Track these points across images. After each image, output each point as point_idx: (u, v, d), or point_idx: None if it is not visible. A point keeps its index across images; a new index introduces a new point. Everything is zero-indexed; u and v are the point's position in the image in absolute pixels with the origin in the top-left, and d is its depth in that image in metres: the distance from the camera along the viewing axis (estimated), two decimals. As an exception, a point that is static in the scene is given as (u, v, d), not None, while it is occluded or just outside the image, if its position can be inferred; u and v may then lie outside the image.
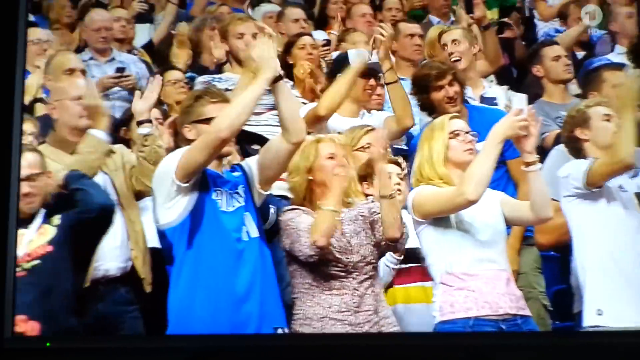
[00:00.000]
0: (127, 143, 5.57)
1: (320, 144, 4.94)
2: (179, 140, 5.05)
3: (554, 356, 4.89)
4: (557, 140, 5.83)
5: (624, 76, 6.15)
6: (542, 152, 5.32)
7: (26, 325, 4.62)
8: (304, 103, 6.02)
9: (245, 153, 5.43)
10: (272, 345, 4.75)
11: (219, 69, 6.69)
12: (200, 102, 4.79)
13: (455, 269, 4.66)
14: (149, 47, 7.76)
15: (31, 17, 7.58)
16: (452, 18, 8.28)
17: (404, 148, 6.16)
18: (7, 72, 4.90)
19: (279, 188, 5.19)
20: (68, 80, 5.88)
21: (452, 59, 6.51)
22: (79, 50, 7.22)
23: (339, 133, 5.55)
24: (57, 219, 4.79)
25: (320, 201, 4.78)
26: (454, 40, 6.68)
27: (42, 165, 4.88)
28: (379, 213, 4.82)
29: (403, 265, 5.24)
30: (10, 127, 4.85)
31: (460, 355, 4.75)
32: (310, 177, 4.87)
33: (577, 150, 5.26)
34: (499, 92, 6.72)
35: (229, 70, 6.36)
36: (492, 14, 8.10)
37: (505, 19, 8.32)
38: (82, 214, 4.76)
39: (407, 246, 5.02)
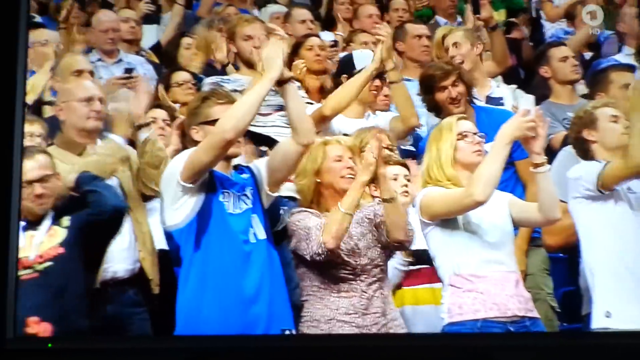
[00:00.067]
0: (134, 144, 5.57)
1: (327, 146, 4.93)
2: (187, 141, 5.05)
3: (561, 357, 4.89)
4: (564, 142, 5.83)
5: (632, 78, 6.14)
6: (550, 153, 5.31)
7: (38, 327, 4.62)
8: (310, 104, 6.02)
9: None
10: (278, 346, 4.75)
11: (223, 70, 6.70)
12: (207, 103, 4.79)
13: (463, 270, 4.66)
14: (156, 48, 7.77)
15: (38, 19, 7.61)
16: (459, 19, 8.28)
17: (412, 149, 6.16)
18: (9, 72, 4.90)
19: (287, 189, 5.19)
20: (76, 81, 5.88)
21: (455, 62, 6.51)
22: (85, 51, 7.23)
23: (345, 134, 5.55)
24: (66, 221, 4.80)
25: (329, 203, 4.77)
26: (454, 43, 6.67)
27: (52, 166, 4.88)
28: (382, 215, 4.82)
29: (411, 267, 5.25)
30: (12, 129, 4.85)
31: (468, 356, 4.75)
32: (318, 180, 4.86)
33: (584, 151, 5.25)
34: (506, 92, 6.71)
35: (235, 72, 6.36)
36: (500, 15, 8.09)
37: (513, 19, 8.32)
38: (95, 215, 4.76)
39: (415, 248, 5.01)
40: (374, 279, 4.78)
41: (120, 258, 5.15)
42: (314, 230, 4.69)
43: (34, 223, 4.79)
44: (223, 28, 7.20)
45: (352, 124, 5.92)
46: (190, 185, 4.54)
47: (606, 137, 5.18)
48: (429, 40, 7.10)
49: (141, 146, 5.26)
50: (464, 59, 6.50)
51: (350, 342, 4.76)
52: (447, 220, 4.72)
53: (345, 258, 4.74)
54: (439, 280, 4.83)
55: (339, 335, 4.70)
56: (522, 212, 4.79)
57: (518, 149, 5.16)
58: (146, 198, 5.34)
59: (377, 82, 6.13)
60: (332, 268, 4.74)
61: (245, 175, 4.78)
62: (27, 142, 5.29)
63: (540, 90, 6.79)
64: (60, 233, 4.77)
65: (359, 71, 6.01)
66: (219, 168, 4.66)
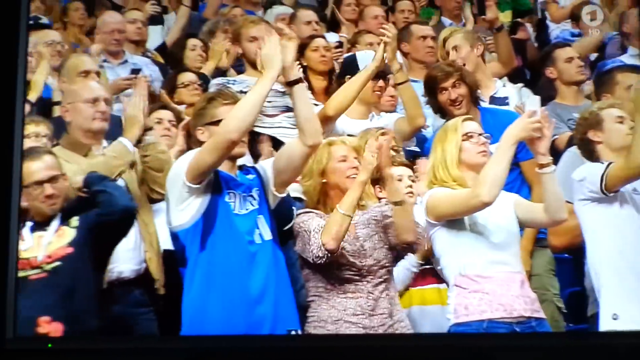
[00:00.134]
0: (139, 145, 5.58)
1: (332, 146, 4.94)
2: (192, 142, 5.05)
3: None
4: (569, 143, 5.82)
5: (638, 79, 6.13)
6: (555, 154, 5.31)
7: (50, 326, 4.62)
8: (316, 105, 6.02)
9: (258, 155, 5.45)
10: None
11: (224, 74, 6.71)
12: (212, 104, 4.79)
13: (469, 271, 4.66)
14: (161, 49, 7.77)
15: (44, 20, 7.63)
16: (464, 20, 8.29)
17: (417, 150, 6.16)
18: (9, 72, 4.91)
19: (293, 190, 5.19)
20: (82, 82, 5.89)
21: None
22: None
23: (349, 135, 5.56)
24: (75, 221, 4.80)
25: (335, 204, 4.78)
26: (454, 47, 6.67)
27: (59, 166, 4.89)
28: (391, 216, 4.82)
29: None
30: (12, 129, 4.86)
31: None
32: (324, 180, 4.87)
33: (590, 152, 5.25)
34: (512, 91, 6.71)
35: (241, 74, 6.37)
36: (506, 17, 8.09)
37: (519, 19, 8.32)
38: (105, 216, 4.76)
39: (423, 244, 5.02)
40: (380, 280, 4.79)
41: (126, 258, 5.15)
42: (313, 233, 4.70)
43: (42, 224, 4.80)
44: (229, 29, 7.22)
45: (356, 125, 5.92)
46: (196, 185, 4.55)
47: (612, 138, 5.17)
48: (434, 41, 7.10)
49: (142, 150, 5.26)
50: (465, 62, 6.49)
51: (356, 342, 4.76)
52: (453, 221, 4.72)
53: (351, 259, 4.74)
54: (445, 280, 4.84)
55: (345, 336, 4.71)
56: (528, 213, 4.80)
57: (523, 150, 5.17)
58: (152, 200, 5.35)
59: (381, 82, 6.12)
60: (337, 269, 4.74)
61: (251, 176, 4.78)
62: (33, 142, 5.32)
63: (545, 91, 6.79)
64: (68, 233, 4.78)
65: None
66: (224, 168, 4.67)
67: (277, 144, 5.54)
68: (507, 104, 6.55)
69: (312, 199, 4.89)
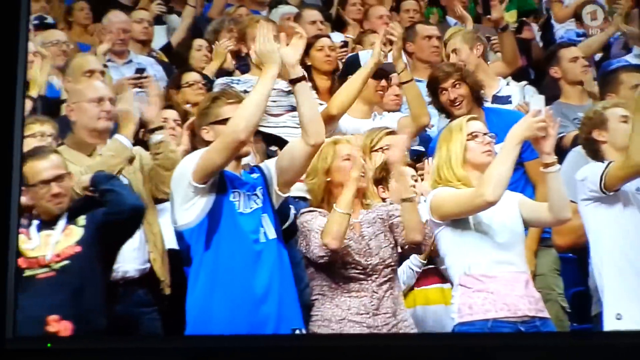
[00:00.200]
0: (145, 145, 5.58)
1: (337, 145, 4.95)
2: (197, 142, 5.06)
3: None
4: (575, 142, 5.82)
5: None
6: (561, 153, 5.31)
7: (59, 325, 4.63)
8: (321, 104, 6.03)
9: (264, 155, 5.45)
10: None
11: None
12: (217, 103, 4.78)
13: (473, 270, 4.66)
14: (166, 49, 7.78)
15: (49, 19, 7.64)
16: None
17: (420, 149, 6.17)
18: (9, 72, 4.91)
19: (297, 189, 5.20)
20: (87, 82, 5.90)
21: None
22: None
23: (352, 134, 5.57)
24: (82, 220, 4.81)
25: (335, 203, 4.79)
26: (453, 50, 6.69)
27: (65, 165, 4.90)
28: (397, 216, 4.83)
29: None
30: (12, 129, 4.86)
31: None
32: (328, 179, 4.88)
33: (594, 152, 5.24)
34: (515, 90, 6.71)
35: (246, 73, 6.39)
36: (511, 16, 8.09)
37: (525, 19, 8.32)
38: (113, 215, 4.76)
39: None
40: (385, 279, 4.79)
41: (130, 258, 5.16)
42: (313, 233, 4.72)
43: (48, 223, 4.81)
44: (234, 29, 7.23)
45: (358, 124, 5.93)
46: (202, 185, 4.54)
47: (616, 137, 5.16)
48: (439, 41, 7.11)
49: (154, 148, 5.28)
50: (465, 64, 6.49)
51: (359, 342, 4.77)
52: (457, 221, 4.71)
53: (357, 258, 4.75)
54: (448, 280, 4.83)
55: (348, 335, 4.71)
56: (533, 212, 4.79)
57: (527, 150, 5.17)
58: (157, 200, 5.35)
59: (383, 82, 6.14)
60: (342, 268, 4.75)
61: (255, 175, 4.78)
62: (38, 142, 5.33)
63: (550, 91, 6.79)
64: (76, 232, 4.78)
65: None
66: (229, 168, 4.66)
67: (282, 143, 5.55)
68: (510, 102, 6.56)
69: (316, 197, 4.91)
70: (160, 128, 5.36)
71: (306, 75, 4.72)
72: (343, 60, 6.87)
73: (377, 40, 5.94)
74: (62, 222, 4.81)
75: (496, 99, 6.56)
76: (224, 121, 4.66)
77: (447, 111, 5.96)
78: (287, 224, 4.95)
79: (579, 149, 5.48)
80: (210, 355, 4.73)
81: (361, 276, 4.76)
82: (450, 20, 8.36)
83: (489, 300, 4.60)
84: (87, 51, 7.20)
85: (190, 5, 7.88)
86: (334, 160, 4.88)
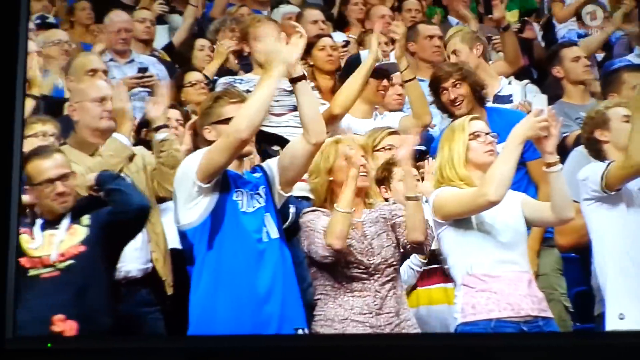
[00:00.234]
0: (148, 144, 5.59)
1: (340, 144, 4.94)
2: (199, 141, 5.06)
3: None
4: (577, 141, 5.82)
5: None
6: (564, 152, 5.31)
7: (64, 325, 4.63)
8: (323, 104, 6.03)
9: (266, 154, 5.44)
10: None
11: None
12: (219, 102, 4.77)
13: (476, 270, 4.66)
14: (168, 48, 7.78)
15: (51, 19, 7.64)
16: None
17: (422, 149, 6.17)
18: (9, 72, 4.91)
19: (300, 189, 5.20)
20: (89, 81, 5.90)
21: None
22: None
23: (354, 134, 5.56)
24: (86, 219, 4.81)
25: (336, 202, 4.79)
26: (454, 51, 6.69)
27: (69, 165, 4.90)
28: (400, 215, 4.83)
29: (425, 267, 5.24)
30: (12, 129, 4.86)
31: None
32: (331, 178, 4.88)
33: (597, 151, 5.24)
34: (516, 89, 6.70)
35: (249, 73, 6.39)
36: (512, 16, 8.09)
37: (526, 18, 8.33)
38: (119, 214, 4.76)
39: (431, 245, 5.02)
40: (387, 278, 4.79)
41: (132, 258, 5.16)
42: (317, 233, 4.72)
43: (52, 222, 4.81)
44: (236, 28, 7.23)
45: (359, 124, 5.93)
46: (207, 185, 4.54)
47: (618, 137, 5.16)
48: (441, 40, 7.10)
49: (158, 146, 5.28)
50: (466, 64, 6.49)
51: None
52: (460, 220, 4.72)
53: (359, 257, 4.75)
54: (452, 280, 4.83)
55: (350, 335, 4.71)
56: (535, 212, 4.79)
57: (529, 149, 5.17)
58: (162, 200, 5.36)
59: (385, 82, 6.14)
60: (345, 267, 4.75)
61: (257, 174, 4.78)
62: (40, 141, 5.34)
63: (552, 90, 6.79)
64: (80, 231, 4.79)
65: None
66: (232, 167, 4.66)
67: (284, 143, 5.54)
68: (511, 101, 6.56)
69: (319, 197, 4.90)
70: (165, 126, 5.37)
71: (306, 75, 4.71)
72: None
73: (373, 37, 5.94)
74: (65, 222, 4.81)
75: (497, 98, 6.56)
76: (226, 121, 4.65)
77: (449, 111, 5.96)
78: (287, 223, 4.96)
79: (581, 149, 5.49)
80: (213, 356, 4.74)
81: (364, 276, 4.76)
82: (452, 20, 8.35)
83: (492, 300, 4.60)
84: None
85: (192, 5, 7.88)
86: (336, 159, 4.87)
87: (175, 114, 5.90)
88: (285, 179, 4.76)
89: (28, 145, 5.17)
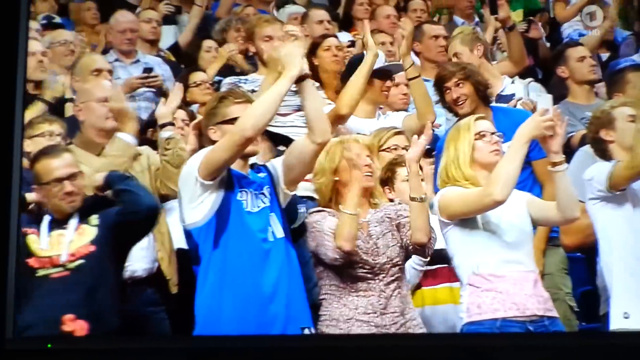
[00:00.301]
0: (154, 144, 5.59)
1: (344, 144, 4.94)
2: (204, 141, 5.06)
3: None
4: (582, 141, 5.82)
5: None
6: (570, 152, 5.31)
7: (74, 324, 4.63)
8: (329, 104, 6.03)
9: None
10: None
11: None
12: (224, 103, 4.78)
13: (482, 270, 4.66)
14: (174, 49, 7.79)
15: (57, 19, 7.65)
16: (477, 19, 8.29)
17: (427, 147, 6.16)
18: (9, 72, 4.92)
19: (305, 189, 5.20)
20: (94, 81, 5.91)
21: None
22: (103, 52, 7.26)
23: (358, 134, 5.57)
24: (95, 219, 4.81)
25: (341, 204, 4.79)
26: (455, 54, 6.69)
27: (77, 164, 4.90)
28: (405, 216, 4.83)
29: (430, 267, 5.24)
30: (12, 129, 4.87)
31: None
32: (336, 178, 4.88)
33: (602, 151, 5.24)
34: (519, 87, 6.70)
35: (254, 72, 6.39)
36: (517, 16, 8.09)
37: (532, 17, 8.32)
38: (129, 214, 4.77)
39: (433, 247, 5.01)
40: (392, 278, 4.79)
41: (138, 257, 5.16)
42: (326, 235, 4.73)
43: (60, 222, 4.81)
44: (241, 28, 7.24)
45: (363, 124, 5.94)
46: (209, 182, 4.54)
47: (624, 136, 5.17)
48: (446, 40, 7.10)
49: (164, 144, 5.29)
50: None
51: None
52: (466, 220, 4.71)
53: (364, 257, 4.75)
54: (457, 279, 4.83)
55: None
56: (541, 211, 4.78)
57: (535, 149, 5.17)
58: (164, 198, 5.36)
59: (388, 82, 6.14)
60: (350, 267, 4.75)
61: (262, 174, 4.78)
62: (47, 141, 5.34)
63: (557, 90, 6.79)
64: (89, 231, 4.79)
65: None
66: (236, 167, 4.66)
67: (290, 143, 5.54)
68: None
69: (324, 197, 4.90)
70: (171, 124, 5.37)
71: (310, 74, 4.71)
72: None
73: (367, 34, 5.95)
74: (74, 221, 4.81)
75: (500, 97, 6.56)
76: (231, 121, 4.66)
77: (453, 110, 5.96)
78: (297, 223, 4.95)
79: (586, 148, 5.49)
80: (218, 356, 4.74)
81: (369, 275, 4.76)
82: (458, 20, 8.35)
83: (498, 299, 4.59)
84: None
85: (198, 5, 7.88)
86: (341, 159, 4.87)
87: (181, 113, 5.91)
88: (289, 178, 4.76)
89: (35, 145, 5.19)
